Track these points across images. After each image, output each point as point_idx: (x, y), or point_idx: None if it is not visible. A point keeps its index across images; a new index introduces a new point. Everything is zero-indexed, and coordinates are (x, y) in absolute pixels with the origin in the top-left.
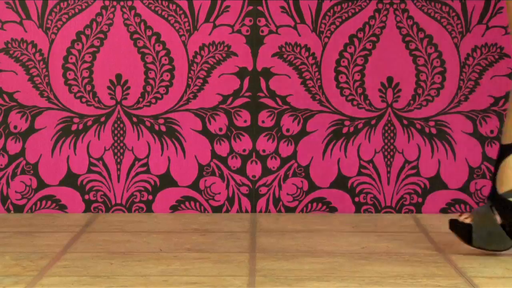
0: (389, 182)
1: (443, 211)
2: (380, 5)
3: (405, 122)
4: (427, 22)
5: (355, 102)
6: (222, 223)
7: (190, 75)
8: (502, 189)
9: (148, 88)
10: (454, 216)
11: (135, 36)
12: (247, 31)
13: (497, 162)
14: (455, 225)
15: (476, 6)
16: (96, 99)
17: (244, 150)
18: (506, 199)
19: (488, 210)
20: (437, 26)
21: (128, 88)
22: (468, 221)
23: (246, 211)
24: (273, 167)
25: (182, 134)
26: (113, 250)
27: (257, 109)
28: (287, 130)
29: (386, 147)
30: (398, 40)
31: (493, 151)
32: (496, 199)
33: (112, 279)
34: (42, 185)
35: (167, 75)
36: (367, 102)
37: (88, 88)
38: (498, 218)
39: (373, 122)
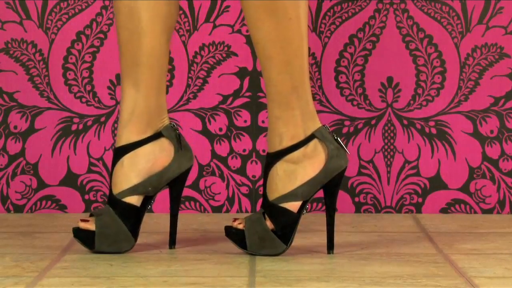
0: (389, 182)
1: (443, 211)
2: (380, 5)
3: (405, 122)
4: (427, 22)
5: (355, 102)
6: (222, 223)
7: (190, 75)
8: (271, 196)
9: None
10: (455, 216)
11: None
12: (247, 31)
13: (265, 170)
14: (229, 232)
15: (476, 6)
16: (96, 99)
17: (244, 150)
18: (276, 205)
19: (260, 217)
20: (437, 26)
21: None
22: (240, 227)
23: (246, 211)
24: None
25: (182, 134)
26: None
27: (257, 109)
28: None
29: (386, 147)
30: (398, 40)
31: (493, 151)
32: (267, 206)
33: (112, 280)
34: (42, 185)
35: (167, 75)
36: (367, 102)
37: (88, 88)
38: (268, 224)
39: (373, 122)
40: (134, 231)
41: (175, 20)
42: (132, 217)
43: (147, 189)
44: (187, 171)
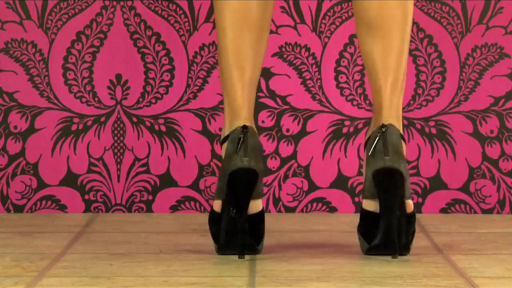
0: None
1: (443, 211)
2: None
3: (405, 122)
4: (427, 22)
5: (355, 102)
6: None
7: (190, 75)
8: None
9: (148, 88)
10: (455, 216)
11: (135, 36)
12: None
13: None
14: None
15: (476, 6)
16: (96, 99)
17: None
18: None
19: None
20: (437, 26)
21: (128, 88)
22: None
23: None
24: (273, 167)
25: (182, 134)
26: (113, 251)
27: (257, 109)
28: (287, 130)
29: None
30: None
31: (493, 151)
32: None
33: (112, 280)
34: (42, 185)
35: (167, 75)
36: (367, 102)
37: (88, 88)
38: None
39: None
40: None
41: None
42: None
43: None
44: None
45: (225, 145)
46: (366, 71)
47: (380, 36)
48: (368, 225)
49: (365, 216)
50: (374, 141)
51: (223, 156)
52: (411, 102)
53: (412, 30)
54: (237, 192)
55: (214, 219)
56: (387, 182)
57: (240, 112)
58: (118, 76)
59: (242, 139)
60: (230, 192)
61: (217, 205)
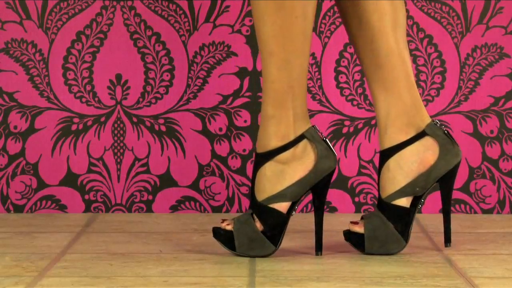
0: None
1: None
2: None
3: None
4: (427, 22)
5: (355, 102)
6: None
7: (190, 75)
8: (260, 196)
9: (148, 88)
10: (455, 216)
11: (135, 36)
12: (247, 31)
13: (254, 170)
14: (217, 233)
15: (476, 6)
16: (96, 99)
17: (244, 150)
18: (265, 205)
19: (249, 217)
20: (437, 26)
21: (128, 88)
22: (229, 228)
23: (246, 211)
24: None
25: (182, 134)
26: (113, 251)
27: (257, 109)
28: None
29: None
30: None
31: (493, 151)
32: (255, 207)
33: (112, 280)
34: (42, 185)
35: (167, 75)
36: (367, 102)
37: (88, 88)
38: (258, 225)
39: (373, 122)
40: (404, 232)
41: (402, 16)
42: (403, 219)
43: (415, 190)
44: (456, 167)
45: (299, 146)
46: (387, 68)
47: (403, 33)
48: (405, 223)
49: (402, 214)
50: (447, 134)
51: (301, 158)
52: None
53: (412, 30)
54: (326, 193)
55: (281, 222)
56: (457, 172)
57: (307, 113)
58: (118, 76)
59: (325, 137)
60: (324, 192)
61: (284, 207)
